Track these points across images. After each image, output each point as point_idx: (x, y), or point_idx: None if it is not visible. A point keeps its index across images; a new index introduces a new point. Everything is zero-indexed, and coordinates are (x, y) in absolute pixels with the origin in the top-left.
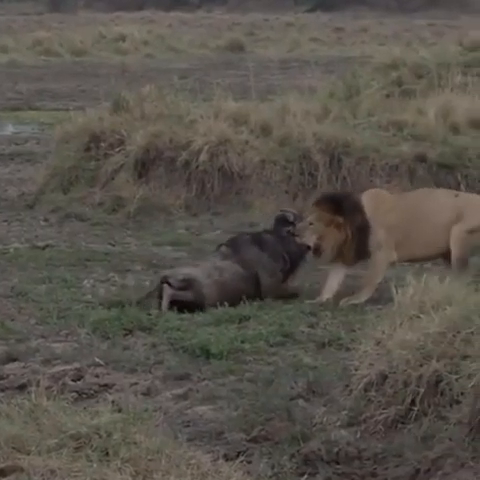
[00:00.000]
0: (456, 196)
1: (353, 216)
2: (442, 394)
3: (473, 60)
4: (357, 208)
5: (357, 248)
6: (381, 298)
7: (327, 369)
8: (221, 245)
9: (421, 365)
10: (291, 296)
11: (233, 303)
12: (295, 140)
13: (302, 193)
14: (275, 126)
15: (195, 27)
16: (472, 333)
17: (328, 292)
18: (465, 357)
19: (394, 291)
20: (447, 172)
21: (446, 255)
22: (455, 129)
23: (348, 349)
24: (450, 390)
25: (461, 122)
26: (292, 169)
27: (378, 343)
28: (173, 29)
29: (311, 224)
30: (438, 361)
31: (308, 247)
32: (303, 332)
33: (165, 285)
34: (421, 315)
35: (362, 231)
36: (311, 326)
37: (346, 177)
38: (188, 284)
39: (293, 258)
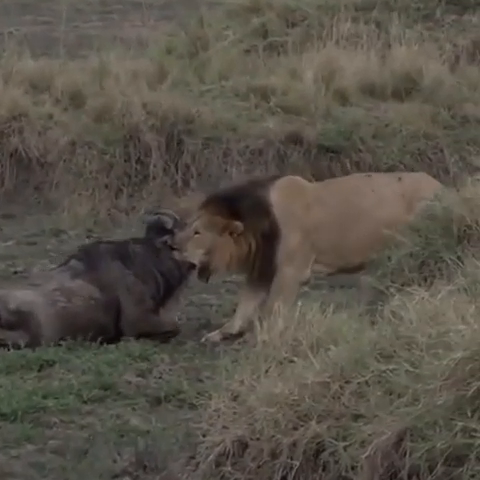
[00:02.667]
0: (400, 180)
1: (257, 220)
2: (325, 468)
3: (366, 2)
4: (263, 207)
5: (263, 264)
6: (238, 334)
7: (164, 434)
8: (71, 257)
9: (295, 428)
10: (165, 333)
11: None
12: (118, 114)
13: (128, 188)
14: (90, 94)
15: None
16: (367, 383)
17: (241, 318)
18: (357, 417)
19: (257, 324)
20: (331, 157)
21: None
22: (342, 98)
23: (193, 406)
24: (336, 463)
25: (350, 88)
26: (114, 154)
27: (235, 398)
28: None
29: (197, 233)
30: (319, 422)
31: (192, 265)
32: (130, 383)
33: None
34: (295, 358)
35: (270, 240)
36: (141, 375)
37: (189, 165)
38: (21, 320)
39: (169, 280)
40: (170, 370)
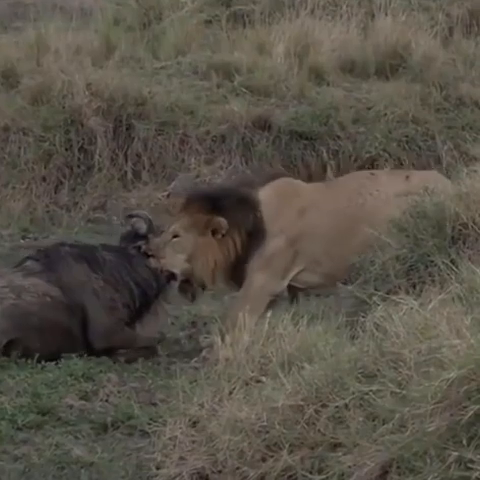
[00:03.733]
0: (407, 178)
1: (243, 218)
2: None
3: None
4: (250, 204)
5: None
6: (196, 350)
7: (111, 466)
8: (27, 258)
9: (263, 459)
10: (139, 350)
11: (41, 349)
12: (58, 95)
13: (70, 181)
14: (25, 72)
15: None
16: (346, 406)
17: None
18: (335, 446)
19: (218, 339)
20: (305, 145)
21: None
22: (318, 77)
23: (145, 434)
24: None
25: (327, 66)
26: (53, 142)
27: (194, 424)
28: None
29: (176, 237)
30: (291, 452)
31: (171, 275)
32: (72, 407)
33: None
34: (263, 378)
35: (254, 242)
36: (85, 397)
37: (140, 154)
38: None
39: (146, 291)
40: (118, 392)
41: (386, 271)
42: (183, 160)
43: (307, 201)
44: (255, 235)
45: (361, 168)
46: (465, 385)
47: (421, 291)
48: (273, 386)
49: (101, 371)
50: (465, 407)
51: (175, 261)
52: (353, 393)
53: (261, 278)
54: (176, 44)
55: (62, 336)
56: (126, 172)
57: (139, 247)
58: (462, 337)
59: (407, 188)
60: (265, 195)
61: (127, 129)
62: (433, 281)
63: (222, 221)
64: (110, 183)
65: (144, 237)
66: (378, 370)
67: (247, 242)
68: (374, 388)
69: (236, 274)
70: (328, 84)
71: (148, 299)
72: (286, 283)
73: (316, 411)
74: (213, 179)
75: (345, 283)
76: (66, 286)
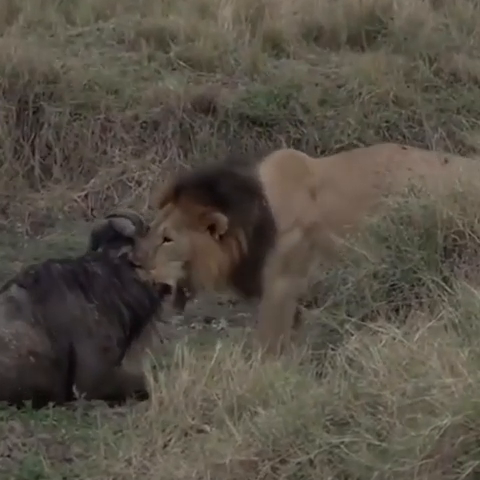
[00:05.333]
0: (446, 162)
1: (247, 209)
2: None
3: None
4: (253, 192)
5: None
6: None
7: None
8: (10, 282)
9: None
10: (125, 390)
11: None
12: None
13: None
14: None
15: None
16: (311, 463)
17: None
18: None
19: (150, 379)
20: (258, 133)
21: None
22: (275, 47)
23: None
24: None
25: (286, 33)
26: None
27: None
28: None
29: (167, 240)
30: None
31: (165, 288)
32: None
33: None
34: (207, 427)
35: (263, 237)
36: None
37: (51, 145)
38: None
39: (137, 312)
40: (23, 444)
41: (362, 292)
42: (105, 152)
43: (318, 179)
44: (262, 229)
45: None
46: (461, 435)
47: (405, 317)
48: (219, 437)
49: (2, 418)
50: (461, 463)
51: (169, 271)
52: (320, 446)
53: (282, 285)
54: (95, 5)
55: (39, 396)
56: (33, 167)
57: (125, 255)
58: (457, 375)
59: (445, 174)
60: (267, 174)
61: (34, 113)
62: (421, 304)
63: (220, 216)
64: (13, 181)
65: (128, 240)
66: (351, 417)
67: (254, 239)
68: (346, 439)
69: (242, 278)
70: (288, 56)
71: (139, 322)
72: (308, 279)
73: (273, 468)
74: (142, 176)
75: (310, 306)
76: (55, 326)
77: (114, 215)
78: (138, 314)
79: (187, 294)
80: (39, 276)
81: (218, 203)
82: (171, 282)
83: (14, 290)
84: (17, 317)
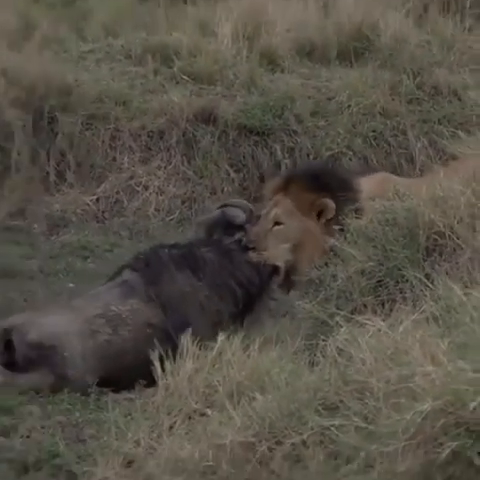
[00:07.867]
0: None
1: (345, 205)
2: None
3: None
4: (353, 194)
5: None
6: None
7: None
8: (124, 267)
9: None
10: None
11: (127, 385)
12: None
13: None
14: None
15: None
16: (304, 443)
17: None
18: None
19: (156, 366)
20: (255, 142)
21: None
22: (271, 62)
23: (72, 475)
24: None
25: (281, 49)
26: None
27: (129, 464)
28: None
29: (278, 224)
30: None
31: (275, 268)
32: None
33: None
34: (209, 411)
35: None
36: (3, 433)
37: (65, 153)
38: (42, 356)
39: (248, 291)
40: (42, 427)
41: (350, 287)
42: (114, 159)
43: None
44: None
45: None
46: (441, 419)
47: (391, 310)
48: (220, 420)
49: (21, 403)
50: (441, 444)
51: (279, 252)
52: (312, 428)
53: None
54: (106, 24)
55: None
56: (48, 173)
57: (239, 240)
58: (438, 364)
59: None
60: (367, 187)
61: (49, 123)
62: (404, 299)
63: (329, 202)
64: (30, 186)
65: (240, 228)
66: (341, 401)
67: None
68: (336, 422)
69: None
70: (282, 71)
71: (251, 300)
72: None
73: (269, 449)
74: (149, 181)
75: (303, 301)
76: (169, 304)
77: (226, 205)
78: (250, 292)
79: (293, 278)
80: (149, 260)
81: (325, 192)
82: (280, 263)
83: (127, 274)
84: (132, 296)
